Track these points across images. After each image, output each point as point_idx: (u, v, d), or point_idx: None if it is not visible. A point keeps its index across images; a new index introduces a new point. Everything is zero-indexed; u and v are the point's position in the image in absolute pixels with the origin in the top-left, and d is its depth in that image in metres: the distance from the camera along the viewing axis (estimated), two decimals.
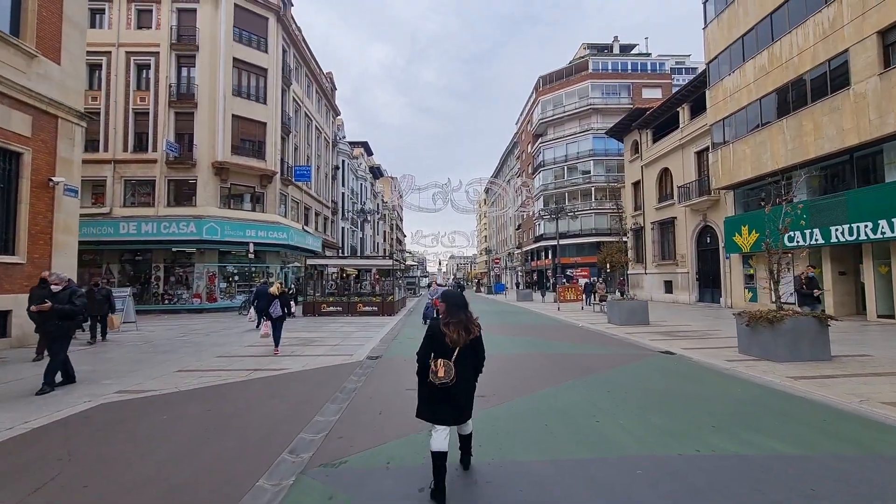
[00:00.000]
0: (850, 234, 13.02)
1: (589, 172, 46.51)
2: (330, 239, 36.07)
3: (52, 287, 6.48)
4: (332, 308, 18.43)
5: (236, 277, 23.14)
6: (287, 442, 4.24)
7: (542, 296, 28.79)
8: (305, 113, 30.54)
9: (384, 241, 70.35)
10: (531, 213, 54.67)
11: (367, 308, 18.45)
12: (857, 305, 14.58)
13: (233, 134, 22.65)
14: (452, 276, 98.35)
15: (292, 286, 18.56)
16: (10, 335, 10.17)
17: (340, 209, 39.76)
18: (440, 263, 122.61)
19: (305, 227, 29.30)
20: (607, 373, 7.15)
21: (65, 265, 11.42)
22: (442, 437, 3.16)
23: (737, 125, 17.67)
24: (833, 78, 13.43)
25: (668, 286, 24.71)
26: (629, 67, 47.28)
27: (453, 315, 3.37)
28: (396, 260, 24.22)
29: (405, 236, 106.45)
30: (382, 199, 69.50)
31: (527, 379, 6.79)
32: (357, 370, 7.64)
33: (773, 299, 8.31)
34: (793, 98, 14.86)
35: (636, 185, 29.34)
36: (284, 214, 26.25)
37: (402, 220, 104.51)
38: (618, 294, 17.10)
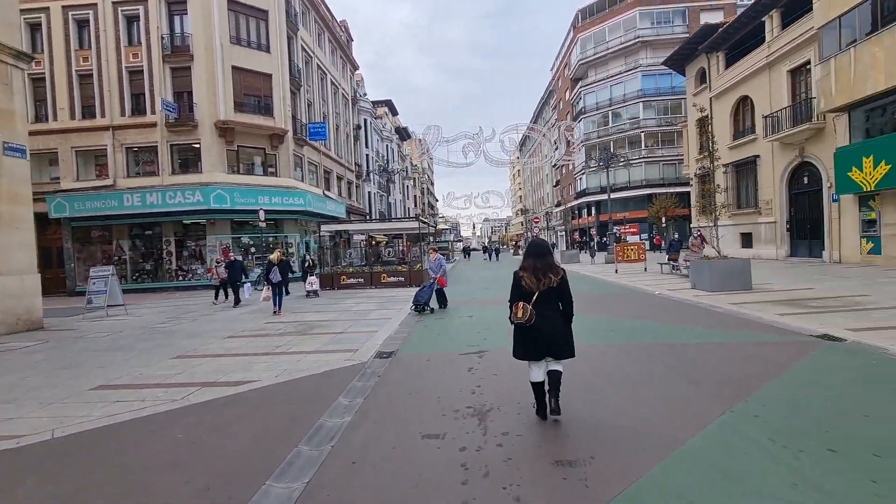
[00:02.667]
0: None
1: (637, 117, 41.31)
2: (355, 205, 33.71)
3: None
4: (352, 280, 16.07)
5: (253, 249, 21.19)
6: None
7: (592, 256, 25.41)
8: (318, 65, 27.51)
9: (415, 205, 67.75)
10: (571, 168, 50.12)
11: (392, 279, 15.98)
12: None
13: (234, 89, 20.08)
14: (487, 240, 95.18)
15: (311, 258, 16.32)
16: None
17: (365, 173, 37.14)
18: (474, 227, 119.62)
19: (326, 192, 26.92)
20: (773, 390, 4.18)
21: (17, 243, 9.36)
22: (537, 370, 3.72)
23: (861, 22, 13.27)
24: None
25: (747, 240, 20.78)
26: None
27: (527, 261, 3.73)
28: (424, 221, 21.38)
29: (437, 200, 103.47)
30: (411, 162, 66.40)
31: (627, 409, 3.93)
32: (354, 382, 5.05)
33: None
34: None
35: (702, 122, 24.77)
36: (301, 178, 23.87)
37: (433, 183, 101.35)
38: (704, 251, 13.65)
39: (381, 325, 8.49)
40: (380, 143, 44.68)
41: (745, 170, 20.93)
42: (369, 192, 38.18)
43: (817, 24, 14.90)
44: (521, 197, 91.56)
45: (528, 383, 3.85)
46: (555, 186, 60.62)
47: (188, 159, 20.50)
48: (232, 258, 12.45)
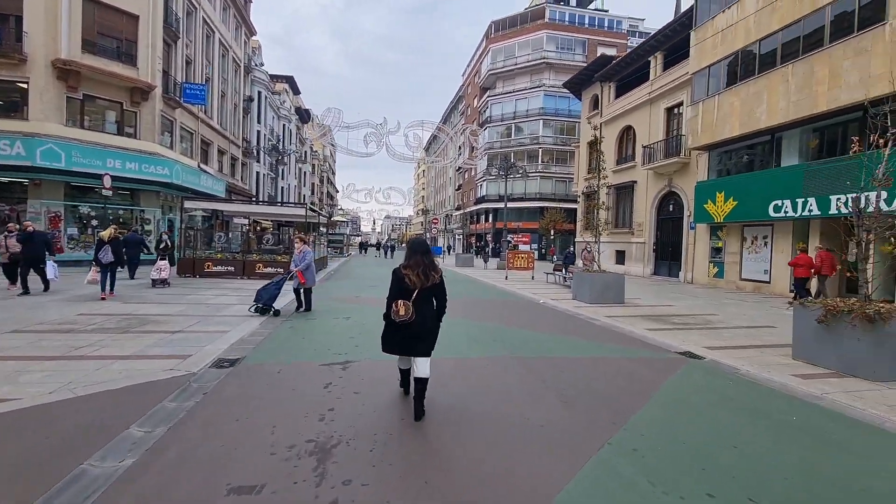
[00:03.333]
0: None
1: (537, 133, 43.71)
2: (239, 184, 30.23)
3: None
4: (220, 268, 13.92)
5: (95, 223, 17.47)
6: None
7: (485, 262, 25.91)
8: (204, 19, 23.99)
9: (312, 193, 63.87)
10: (473, 174, 51.38)
11: (269, 269, 14.17)
12: (841, 287, 12.99)
13: (85, 24, 16.34)
14: (387, 237, 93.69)
15: (167, 239, 13.70)
16: None
17: (256, 151, 33.57)
18: (374, 222, 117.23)
19: (203, 166, 23.55)
20: (648, 414, 3.95)
21: None
22: (406, 360, 3.90)
23: (726, 73, 15.12)
24: (863, 11, 10.96)
25: (621, 257, 22.79)
26: (586, 21, 44.28)
27: (412, 259, 3.68)
28: (314, 209, 19.61)
29: (338, 191, 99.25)
30: (311, 147, 62.47)
31: (499, 451, 3.36)
32: (165, 402, 3.79)
33: (862, 285, 5.56)
34: (805, 38, 12.36)
35: (592, 144, 26.77)
36: (170, 146, 20.46)
37: (334, 173, 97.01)
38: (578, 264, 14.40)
39: (237, 325, 7.08)
40: (276, 121, 40.96)
41: (625, 193, 22.95)
42: (258, 173, 34.65)
43: (691, 69, 16.72)
44: (423, 197, 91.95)
45: (392, 402, 3.75)
46: (457, 190, 61.72)
47: (11, 101, 16.16)
48: (30, 229, 9.46)
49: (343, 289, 12.97)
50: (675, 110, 19.41)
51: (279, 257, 14.75)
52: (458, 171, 61.05)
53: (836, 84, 11.38)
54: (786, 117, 12.73)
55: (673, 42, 19.31)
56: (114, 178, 16.98)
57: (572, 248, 13.83)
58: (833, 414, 4.10)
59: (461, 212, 57.05)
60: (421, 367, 3.60)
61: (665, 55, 20.04)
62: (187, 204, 15.04)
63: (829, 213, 11.76)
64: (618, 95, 23.74)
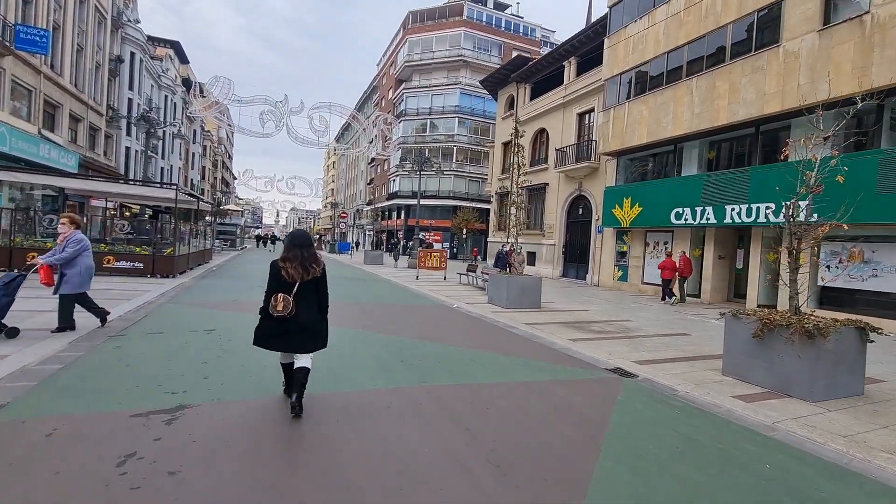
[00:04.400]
0: (749, 215, 11.63)
1: (452, 131, 43.29)
2: (101, 160, 25.15)
3: None
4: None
5: None
6: None
7: (395, 260, 24.47)
8: None
9: (203, 178, 56.95)
10: (386, 168, 49.56)
11: (123, 263, 11.30)
12: (729, 293, 13.87)
13: None
14: (282, 231, 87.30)
15: None
16: None
17: (126, 122, 28.28)
18: (278, 214, 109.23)
19: (46, 132, 18.89)
20: (609, 474, 2.91)
21: None
22: (284, 356, 3.67)
23: (636, 82, 15.51)
24: (761, 32, 11.60)
25: (532, 258, 22.87)
26: (503, 25, 44.89)
27: (291, 252, 3.50)
28: (192, 194, 16.46)
29: (235, 178, 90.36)
30: (203, 127, 55.62)
31: None
32: None
33: (793, 296, 5.21)
34: (708, 53, 12.91)
35: (507, 145, 26.74)
36: None
37: (231, 157, 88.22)
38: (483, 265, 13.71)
39: (30, 344, 4.88)
40: (156, 91, 35.25)
41: (537, 194, 23.09)
42: (129, 149, 29.34)
43: (604, 76, 17.01)
44: (333, 190, 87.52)
45: (238, 489, 2.51)
46: (368, 184, 59.32)
47: None
48: None
49: (219, 290, 10.68)
50: (588, 116, 19.80)
51: (140, 249, 11.88)
52: (370, 164, 58.68)
53: (735, 99, 11.95)
54: (690, 128, 13.22)
55: (587, 48, 19.65)
56: None
57: (506, 248, 13.08)
58: (797, 453, 3.46)
59: (372, 207, 54.88)
60: (302, 359, 3.53)
61: (579, 61, 20.38)
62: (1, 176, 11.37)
63: (724, 221, 12.35)
64: (533, 97, 23.84)
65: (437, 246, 39.33)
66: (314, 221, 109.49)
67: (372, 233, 55.37)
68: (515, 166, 11.21)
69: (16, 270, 4.94)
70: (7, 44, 15.86)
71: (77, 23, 21.80)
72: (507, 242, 12.32)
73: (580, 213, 20.15)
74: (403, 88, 45.80)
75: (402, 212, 45.28)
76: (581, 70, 20.19)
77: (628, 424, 3.82)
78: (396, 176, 45.65)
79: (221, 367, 4.51)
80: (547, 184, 21.87)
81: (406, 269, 21.63)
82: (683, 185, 13.90)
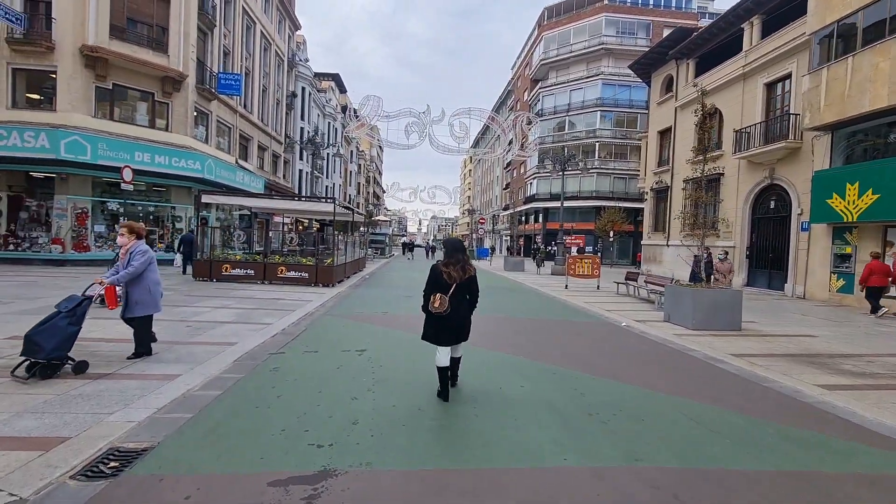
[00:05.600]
0: None
1: (594, 126, 40.07)
2: (281, 182, 29.33)
3: None
4: (238, 270, 12.30)
5: (125, 219, 16.62)
6: None
7: (538, 266, 23.10)
8: (244, 8, 23.01)
9: (358, 193, 63.43)
10: (523, 172, 48.41)
11: (292, 273, 12.40)
12: None
13: (113, 7, 15.45)
14: (432, 237, 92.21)
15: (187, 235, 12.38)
16: None
17: (300, 148, 32.67)
18: (420, 223, 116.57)
19: (241, 161, 22.56)
20: None
21: None
22: (444, 355, 4.05)
23: (865, 28, 11.67)
24: None
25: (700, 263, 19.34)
26: (650, 2, 40.17)
27: (451, 257, 4.11)
28: (347, 206, 17.74)
29: (384, 192, 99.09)
30: (358, 147, 62.01)
31: None
32: None
33: None
34: None
35: (664, 133, 23.36)
36: (205, 139, 19.49)
37: (381, 173, 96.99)
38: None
39: (201, 362, 5.01)
40: (321, 119, 40.20)
41: (708, 187, 19.45)
42: (301, 171, 33.77)
43: (810, 28, 13.28)
44: (469, 197, 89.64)
45: None
46: (504, 189, 58.92)
47: (40, 92, 15.56)
48: None
49: (370, 301, 10.78)
50: (779, 85, 15.89)
51: (305, 260, 12.96)
52: (506, 168, 58.23)
53: None
54: None
55: (773, 2, 15.80)
56: (143, 173, 16.06)
57: (704, 253, 11.05)
58: None
59: (509, 212, 54.15)
60: (457, 350, 4.27)
61: (764, 19, 16.52)
62: (205, 198, 13.50)
63: None
64: (698, 74, 20.27)
65: (573, 251, 36.60)
66: (452, 229, 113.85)
67: (509, 238, 54.68)
68: (701, 148, 9.13)
69: (80, 294, 4.39)
70: (212, 90, 19.26)
71: (262, 67, 25.75)
72: (696, 247, 10.21)
73: (771, 206, 16.18)
74: (539, 88, 44.20)
75: (541, 215, 43.57)
76: (767, 31, 16.31)
77: None
78: (534, 178, 44.18)
79: (372, 407, 3.93)
80: (721, 173, 18.21)
81: (550, 277, 20.19)
82: None
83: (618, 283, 14.26)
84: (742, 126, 16.88)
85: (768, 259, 16.16)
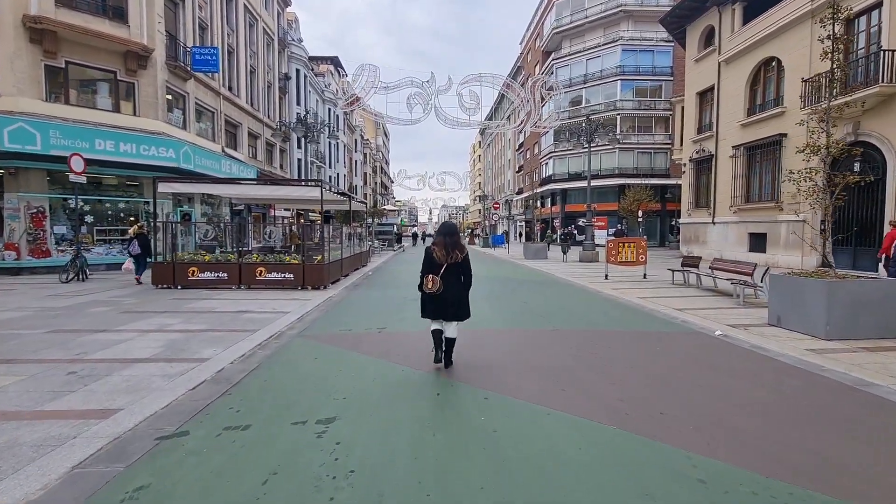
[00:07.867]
0: None
1: (615, 97, 36.82)
2: (278, 172, 27.09)
3: None
4: (209, 274, 10.04)
5: (90, 218, 14.53)
6: None
7: (564, 252, 20.46)
8: None
9: (365, 183, 61.11)
10: (537, 152, 45.43)
11: (274, 275, 10.10)
12: None
13: None
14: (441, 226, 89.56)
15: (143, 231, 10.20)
16: None
17: (296, 135, 30.33)
18: (430, 212, 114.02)
19: (228, 150, 20.31)
20: None
21: None
22: (436, 325, 4.44)
23: None
24: None
25: (758, 242, 16.58)
26: None
27: (438, 238, 4.42)
28: (345, 194, 15.18)
29: (392, 182, 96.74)
30: (362, 135, 59.51)
31: None
32: None
33: None
34: None
35: (703, 95, 20.39)
36: (183, 125, 17.23)
37: (387, 162, 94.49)
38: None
39: (87, 430, 2.73)
40: (320, 104, 37.75)
41: (762, 153, 16.62)
42: (300, 160, 31.49)
43: None
44: (480, 183, 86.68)
45: None
46: (517, 172, 55.96)
47: None
48: None
49: (366, 309, 8.11)
50: (863, 19, 12.94)
51: (289, 258, 10.63)
52: (518, 150, 55.20)
53: None
54: None
55: None
56: (107, 164, 13.95)
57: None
58: None
59: (523, 196, 51.28)
60: (450, 330, 4.44)
61: None
62: (161, 187, 11.19)
63: None
64: (747, 20, 17.27)
65: (599, 233, 33.63)
66: (462, 217, 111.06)
67: (524, 222, 51.88)
68: (831, 74, 6.55)
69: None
70: (187, 68, 16.93)
71: (248, 46, 23.33)
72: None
73: (854, 168, 13.30)
74: (553, 59, 41.00)
75: (558, 197, 40.69)
76: None
77: None
78: (549, 158, 41.25)
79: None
80: (784, 135, 15.34)
81: (579, 265, 17.62)
82: None
83: (672, 271, 11.66)
84: (811, 74, 13.97)
85: (851, 234, 13.37)
